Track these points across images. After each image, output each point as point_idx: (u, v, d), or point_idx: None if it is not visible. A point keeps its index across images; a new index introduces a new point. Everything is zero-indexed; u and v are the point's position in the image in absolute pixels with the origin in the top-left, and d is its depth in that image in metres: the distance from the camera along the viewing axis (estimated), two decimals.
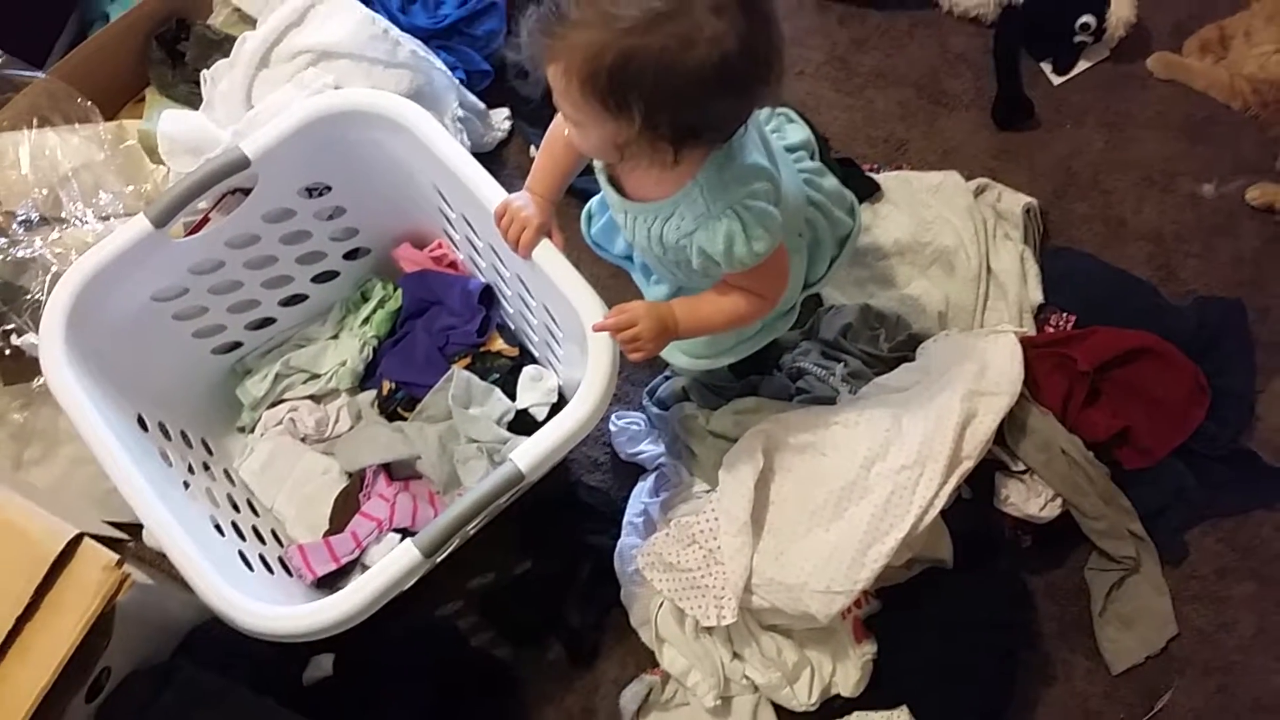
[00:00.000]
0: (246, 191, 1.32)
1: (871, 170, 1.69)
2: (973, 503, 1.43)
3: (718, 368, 1.42)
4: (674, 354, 1.30)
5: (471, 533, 1.26)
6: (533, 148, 1.72)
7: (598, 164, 1.14)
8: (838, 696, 1.38)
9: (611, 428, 1.53)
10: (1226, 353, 1.58)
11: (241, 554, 1.22)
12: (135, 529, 1.42)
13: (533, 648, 1.44)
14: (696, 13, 0.87)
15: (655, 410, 1.53)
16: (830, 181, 1.28)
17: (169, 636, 1.29)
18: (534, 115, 1.71)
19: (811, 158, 1.29)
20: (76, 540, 0.93)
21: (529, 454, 1.12)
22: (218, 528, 1.23)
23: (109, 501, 1.43)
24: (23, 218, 1.40)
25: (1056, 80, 1.82)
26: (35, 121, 1.44)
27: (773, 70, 0.94)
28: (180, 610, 1.29)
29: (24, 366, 1.49)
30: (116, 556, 0.93)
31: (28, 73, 1.46)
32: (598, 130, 0.96)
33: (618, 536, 1.46)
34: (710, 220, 1.04)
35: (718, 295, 1.17)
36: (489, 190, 1.22)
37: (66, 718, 0.97)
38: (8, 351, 1.47)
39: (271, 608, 1.06)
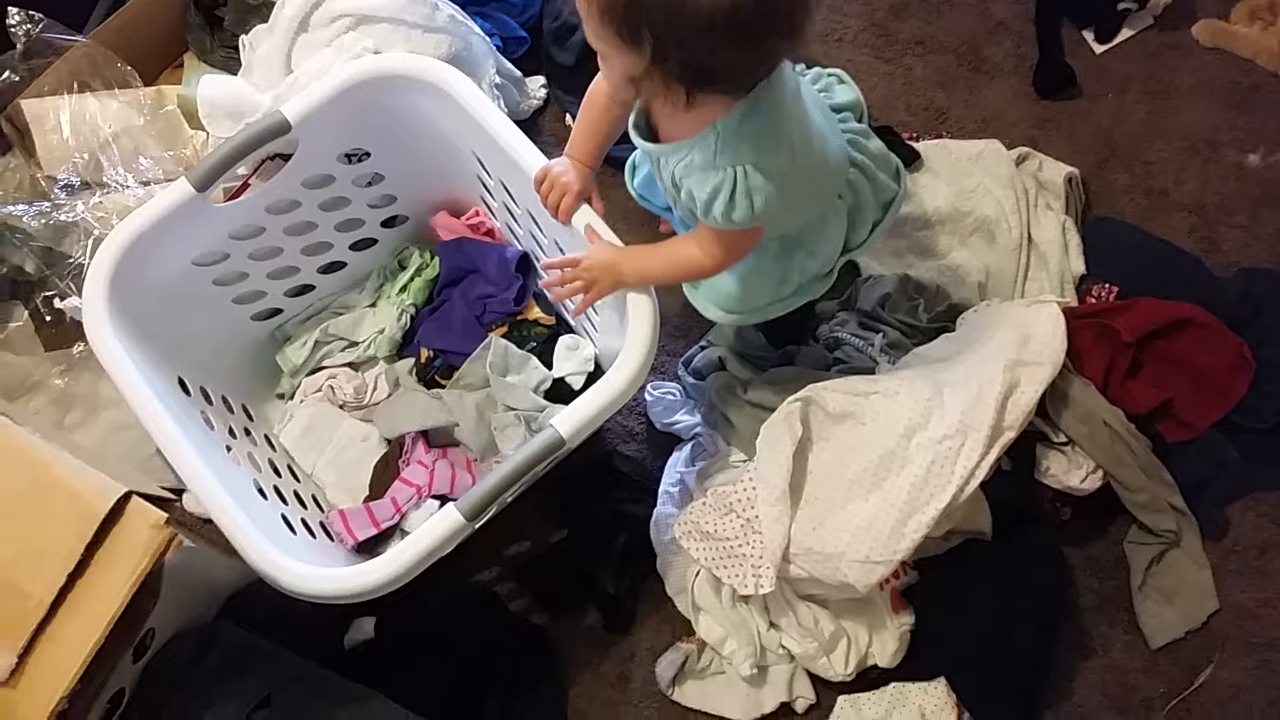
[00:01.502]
0: (285, 158, 1.32)
1: (911, 139, 1.67)
2: (1012, 474, 1.42)
3: (752, 324, 1.42)
4: (707, 306, 1.30)
5: (509, 500, 1.26)
6: (568, 116, 1.71)
7: (634, 114, 1.13)
8: (874, 667, 1.38)
9: (647, 397, 1.53)
10: (1270, 325, 1.55)
11: (284, 518, 1.23)
12: (173, 496, 1.44)
13: (569, 615, 1.45)
14: None
15: (691, 380, 1.52)
16: (876, 144, 1.26)
17: (211, 600, 1.31)
18: (570, 82, 1.70)
19: (859, 120, 1.28)
20: (125, 498, 0.94)
21: (570, 420, 1.12)
22: (260, 492, 1.23)
23: (149, 466, 1.45)
24: (64, 182, 1.41)
25: (1099, 48, 1.79)
26: (76, 86, 1.45)
27: (793, 24, 0.92)
28: (222, 575, 1.31)
29: (64, 332, 1.50)
30: (165, 515, 0.93)
31: (69, 37, 1.46)
32: (617, 61, 0.96)
33: (653, 506, 1.46)
34: (709, 169, 1.03)
35: (672, 246, 1.17)
36: (529, 156, 1.22)
37: (115, 675, 0.99)
38: (48, 317, 1.49)
39: (316, 569, 1.07)
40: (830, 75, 1.29)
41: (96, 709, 0.96)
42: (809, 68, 1.31)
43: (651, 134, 1.12)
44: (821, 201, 1.21)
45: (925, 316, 1.49)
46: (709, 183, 1.03)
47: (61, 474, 0.95)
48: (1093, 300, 1.56)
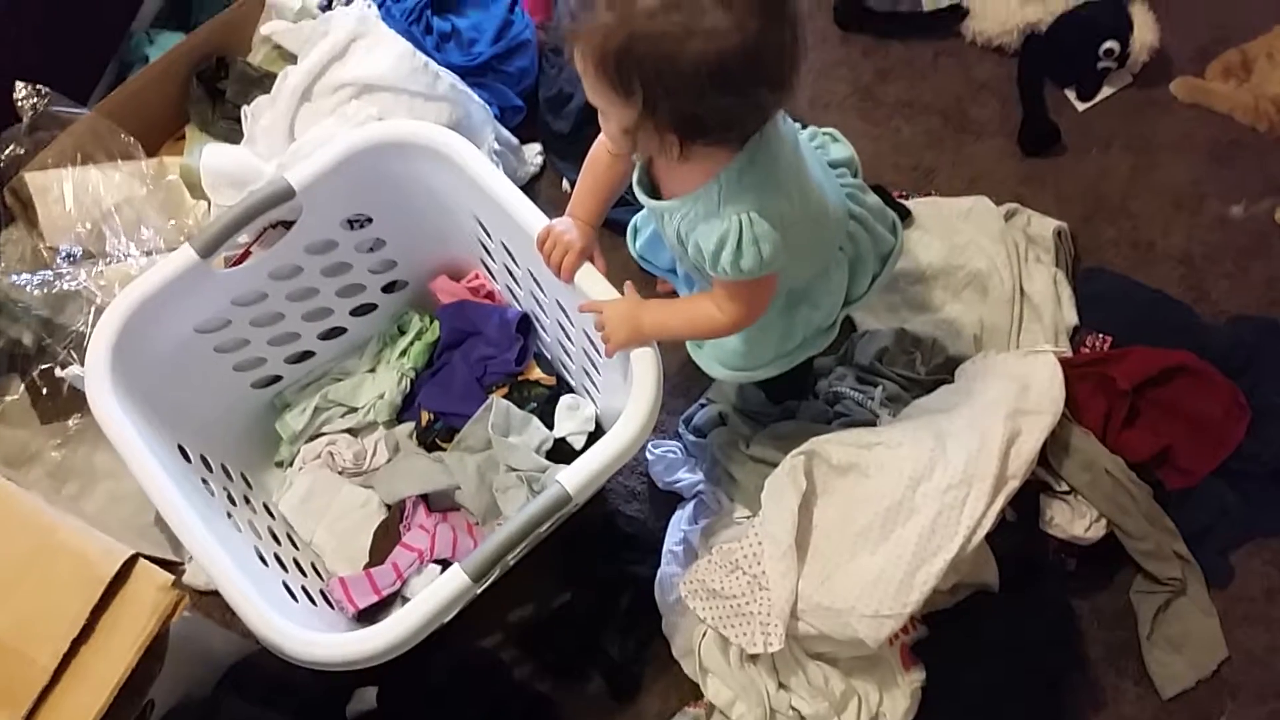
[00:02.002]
0: (287, 225, 1.33)
1: (901, 197, 1.70)
2: (1017, 525, 1.42)
3: (753, 382, 1.42)
4: (711, 365, 1.30)
5: (512, 562, 1.25)
6: (565, 181, 1.74)
7: (637, 171, 1.15)
8: None
9: (648, 456, 1.53)
10: (1264, 371, 1.57)
11: (285, 585, 1.21)
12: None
13: (574, 680, 1.42)
14: (704, 4, 0.87)
15: (692, 438, 1.52)
16: (873, 198, 1.29)
17: (210, 672, 1.28)
18: (565, 149, 1.74)
19: (855, 176, 1.30)
20: (132, 561, 0.93)
21: (576, 477, 1.12)
22: (261, 559, 1.22)
23: (147, 536, 1.44)
24: (66, 252, 1.42)
25: (1081, 106, 1.84)
26: (79, 158, 1.46)
27: (780, 76, 0.95)
28: (221, 646, 1.29)
29: (61, 405, 1.50)
30: (172, 577, 0.92)
31: (73, 110, 1.48)
32: (613, 114, 0.98)
33: (657, 566, 1.44)
34: (713, 218, 1.04)
35: (690, 302, 1.18)
36: (531, 216, 1.24)
37: None
38: (45, 390, 1.49)
39: (321, 635, 1.05)
40: (825, 134, 1.32)
41: None
42: (804, 127, 1.34)
43: (654, 191, 1.14)
44: (825, 251, 1.22)
45: (923, 369, 1.50)
46: (715, 233, 1.04)
47: (67, 538, 0.94)
48: (1087, 350, 1.58)
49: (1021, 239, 1.65)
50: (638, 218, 1.34)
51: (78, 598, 0.90)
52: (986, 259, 1.60)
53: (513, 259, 1.37)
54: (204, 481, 1.26)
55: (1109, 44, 1.78)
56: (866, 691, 1.35)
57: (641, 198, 1.14)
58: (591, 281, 1.21)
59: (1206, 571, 1.47)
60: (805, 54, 0.98)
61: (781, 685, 1.37)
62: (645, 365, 1.17)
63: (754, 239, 1.03)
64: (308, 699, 1.26)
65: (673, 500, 1.51)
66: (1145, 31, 1.78)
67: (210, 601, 1.35)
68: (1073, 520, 1.41)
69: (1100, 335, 1.59)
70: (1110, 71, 1.83)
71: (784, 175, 1.07)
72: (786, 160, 1.07)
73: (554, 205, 1.33)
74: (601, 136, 1.16)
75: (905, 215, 1.66)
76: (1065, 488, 1.42)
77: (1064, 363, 1.42)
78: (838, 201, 1.20)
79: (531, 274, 1.34)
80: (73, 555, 0.92)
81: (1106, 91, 1.84)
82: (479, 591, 1.12)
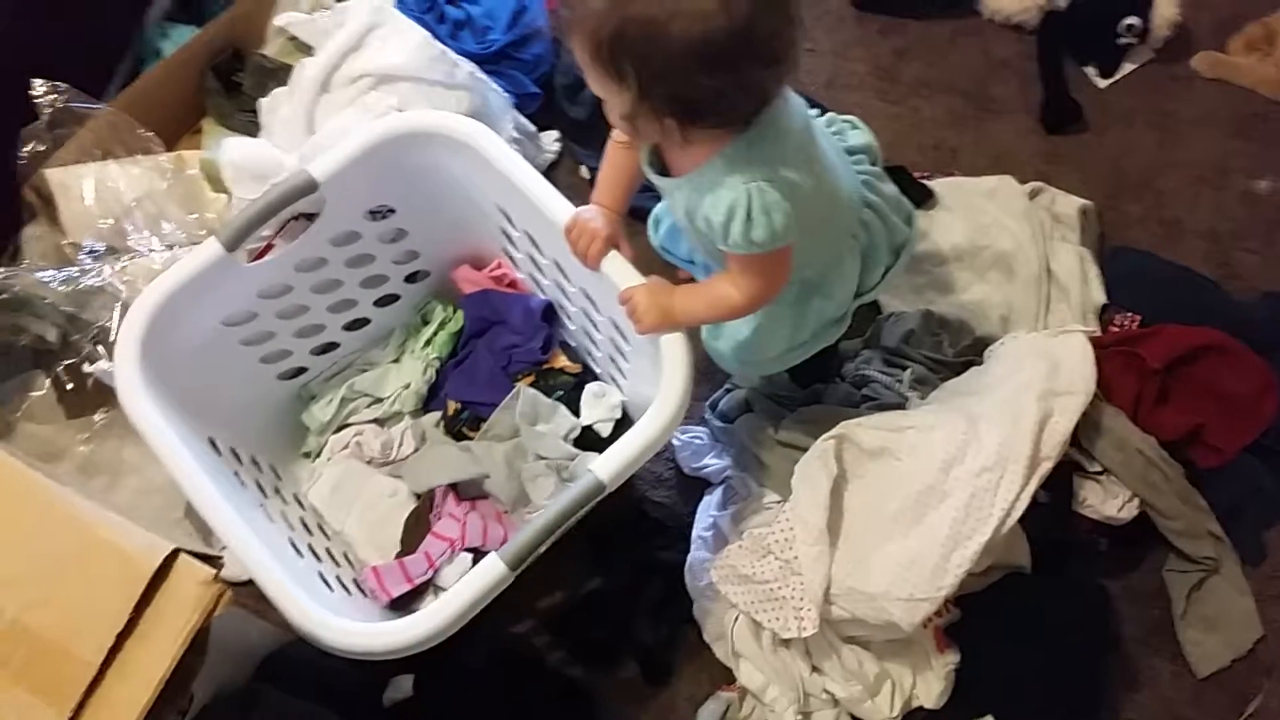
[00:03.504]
0: (309, 218, 1.32)
1: (924, 178, 1.69)
2: (1049, 506, 1.41)
3: (777, 373, 1.42)
4: (722, 356, 1.30)
5: (542, 550, 1.25)
6: (583, 168, 1.74)
7: (645, 152, 1.14)
8: (920, 709, 1.35)
9: (674, 442, 1.52)
10: None
11: (320, 575, 1.21)
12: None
13: (606, 667, 1.42)
14: None
15: (718, 424, 1.52)
16: (889, 188, 1.27)
17: (246, 663, 1.29)
18: (583, 136, 1.73)
19: (873, 164, 1.29)
20: (173, 556, 0.93)
21: (609, 464, 1.11)
22: (295, 550, 1.22)
23: (177, 529, 1.44)
24: (89, 248, 1.41)
25: (1102, 83, 1.82)
26: (99, 154, 1.46)
27: (772, 52, 0.94)
28: (257, 637, 1.29)
29: (86, 400, 1.50)
30: (214, 571, 0.92)
31: (91, 105, 1.47)
32: (613, 102, 0.98)
33: (686, 552, 1.44)
34: (719, 188, 1.03)
35: (710, 284, 1.16)
36: (556, 205, 1.23)
37: None
38: (70, 386, 1.49)
39: (361, 625, 1.05)
40: (844, 121, 1.31)
41: None
42: (823, 112, 1.33)
43: (664, 170, 1.13)
44: (837, 236, 1.21)
45: (950, 351, 1.49)
46: (723, 203, 1.03)
47: (108, 534, 0.94)
48: (1115, 329, 1.57)
49: (1047, 218, 1.64)
50: (658, 209, 1.33)
51: (120, 594, 0.90)
52: (1012, 239, 1.59)
53: (537, 248, 1.36)
54: (235, 474, 1.26)
55: (1129, 19, 1.76)
56: (900, 674, 1.35)
57: (650, 175, 1.14)
58: (619, 268, 1.21)
59: (1240, 550, 1.46)
60: (803, 30, 0.98)
61: (815, 669, 1.36)
62: (676, 352, 1.16)
63: (764, 208, 1.01)
64: (344, 688, 1.26)
65: (700, 486, 1.51)
66: (1166, 6, 1.77)
67: (243, 592, 1.34)
68: (1105, 500, 1.40)
69: (1129, 314, 1.57)
70: (1131, 47, 1.81)
71: (792, 151, 1.06)
72: (796, 138, 1.06)
73: (573, 192, 1.32)
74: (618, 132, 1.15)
75: (929, 196, 1.65)
76: (1097, 468, 1.40)
77: (1093, 342, 1.41)
78: (852, 187, 1.19)
79: (557, 263, 1.34)
80: (114, 551, 0.92)
81: (1127, 68, 1.83)
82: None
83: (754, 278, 1.12)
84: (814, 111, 1.14)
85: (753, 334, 1.26)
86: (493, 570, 1.06)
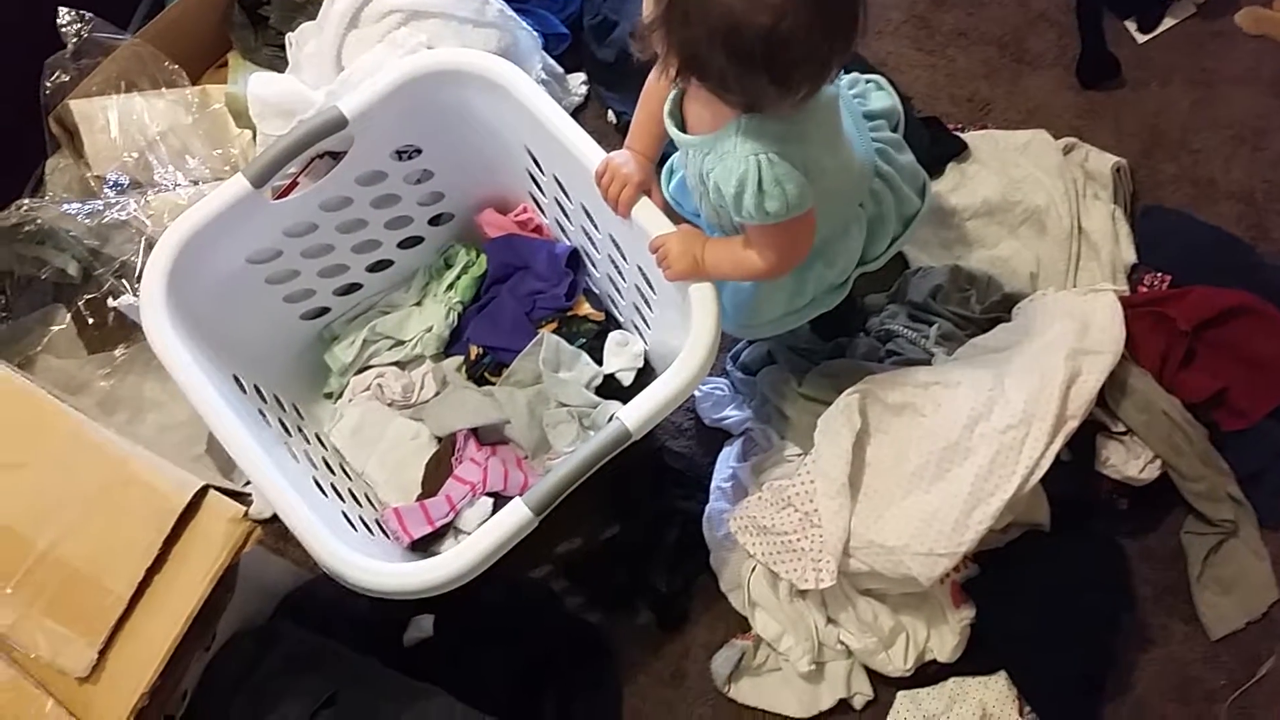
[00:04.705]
0: (335, 156, 1.31)
1: (956, 129, 1.66)
2: (1070, 465, 1.40)
3: (796, 329, 1.41)
4: (723, 317, 1.29)
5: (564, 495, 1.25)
6: (610, 112, 1.71)
7: (669, 101, 1.13)
8: (933, 662, 1.37)
9: (696, 393, 1.52)
10: None
11: (344, 514, 1.22)
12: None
13: (622, 613, 1.43)
14: None
15: (740, 375, 1.52)
16: (906, 158, 1.25)
17: (267, 600, 1.31)
18: (610, 79, 1.70)
19: (894, 129, 1.26)
20: (203, 492, 0.93)
21: (636, 413, 1.11)
22: (319, 488, 1.22)
23: (197, 467, 1.44)
24: (113, 181, 1.40)
25: (1141, 38, 1.78)
26: (123, 86, 1.44)
27: (788, 79, 0.94)
28: (277, 576, 1.30)
29: (106, 334, 1.50)
30: (243, 509, 0.92)
31: (117, 36, 1.45)
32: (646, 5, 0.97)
33: (704, 502, 1.45)
34: (729, 157, 1.02)
35: (740, 244, 1.15)
36: (587, 148, 1.21)
37: (189, 673, 0.98)
38: (91, 320, 1.48)
39: (387, 565, 1.06)
40: (869, 81, 1.28)
41: (173, 705, 0.95)
42: (848, 71, 1.30)
43: (684, 126, 1.12)
44: (846, 206, 1.20)
45: (978, 307, 1.48)
46: (733, 175, 1.02)
47: (138, 469, 0.94)
48: (1145, 289, 1.55)
49: (1080, 174, 1.61)
50: (674, 159, 1.30)
51: (151, 528, 0.90)
52: (1045, 194, 1.57)
53: (564, 192, 1.35)
54: (260, 412, 1.26)
55: None
56: (915, 628, 1.36)
57: (670, 129, 1.12)
58: (649, 215, 1.20)
59: (1260, 513, 1.45)
60: (832, 79, 0.98)
61: (830, 620, 1.37)
62: (704, 302, 1.15)
63: (775, 179, 1.01)
64: (365, 626, 1.27)
65: (719, 436, 1.51)
66: None
67: (264, 529, 1.35)
68: (1128, 461, 1.40)
69: (1159, 274, 1.55)
70: (1173, 2, 1.77)
71: (814, 126, 1.05)
72: (822, 112, 1.05)
73: (599, 135, 1.30)
74: (657, 69, 1.13)
75: (962, 148, 1.62)
76: (1121, 428, 1.40)
77: (1122, 301, 1.40)
78: (865, 157, 1.17)
79: (584, 208, 1.32)
80: (145, 486, 0.93)
81: (1168, 23, 1.78)
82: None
83: (771, 247, 1.11)
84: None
85: (752, 295, 1.25)
86: (517, 515, 1.07)
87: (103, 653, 0.88)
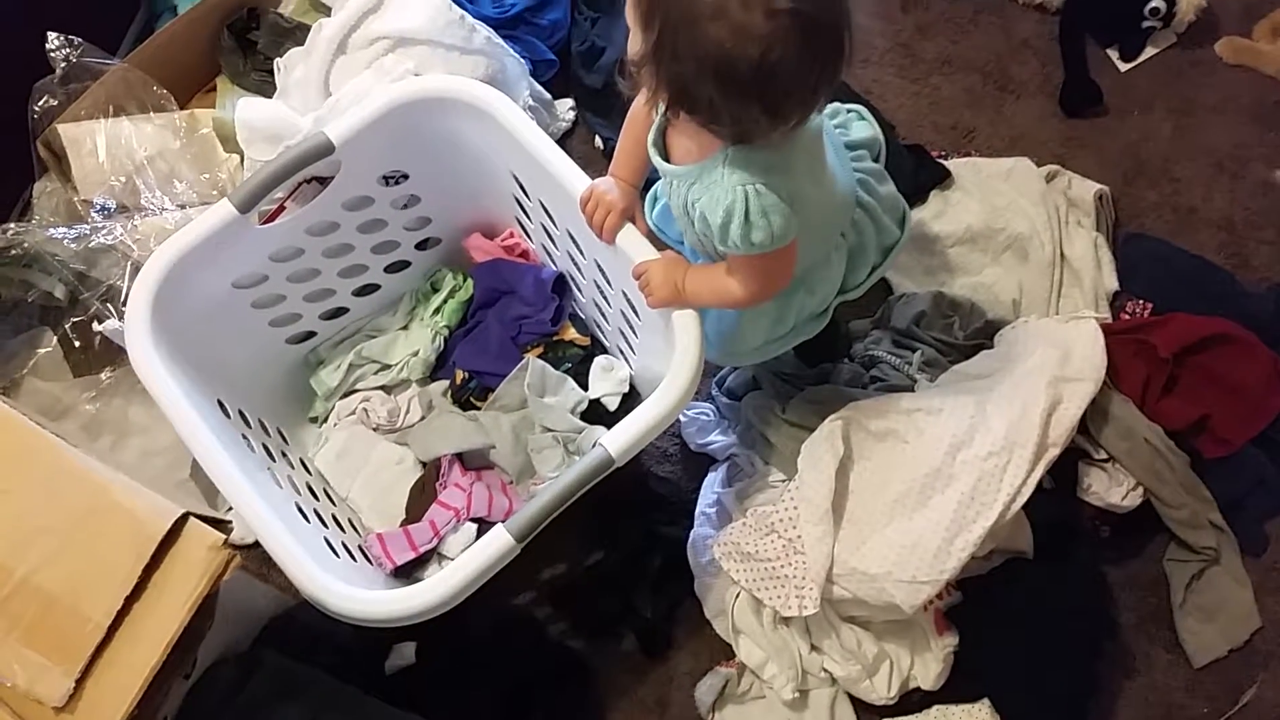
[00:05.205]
0: (322, 181, 1.32)
1: (940, 157, 1.67)
2: (1053, 492, 1.41)
3: (783, 355, 1.41)
4: (705, 344, 1.30)
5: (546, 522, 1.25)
6: (597, 138, 1.72)
7: (653, 131, 1.13)
8: (917, 689, 1.37)
9: (681, 418, 1.52)
10: None
11: (326, 540, 1.21)
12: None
13: (606, 639, 1.43)
14: (754, 2, 0.86)
15: (725, 400, 1.52)
16: (887, 188, 1.26)
17: (249, 626, 1.30)
18: (598, 105, 1.71)
19: (876, 159, 1.28)
20: (183, 519, 0.93)
21: (619, 439, 1.12)
22: (302, 514, 1.22)
23: (180, 493, 1.44)
24: (100, 205, 1.41)
25: (1123, 67, 1.80)
26: (111, 110, 1.45)
27: (779, 109, 0.94)
28: (260, 602, 1.30)
29: (92, 358, 1.50)
30: (223, 536, 0.92)
31: (105, 61, 1.46)
32: (635, 35, 0.97)
33: (689, 528, 1.45)
34: (716, 188, 1.03)
35: (721, 271, 1.15)
36: (572, 175, 1.22)
37: (168, 701, 0.97)
38: (77, 343, 1.48)
39: (367, 592, 1.05)
40: (850, 111, 1.29)
41: None
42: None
43: (668, 155, 1.12)
44: (827, 235, 1.21)
45: (961, 334, 1.49)
46: (720, 205, 1.03)
47: (119, 496, 0.94)
48: (1127, 316, 1.57)
49: (1062, 202, 1.62)
50: (657, 186, 1.31)
51: (130, 555, 0.90)
52: (1027, 222, 1.58)
53: (550, 218, 1.35)
54: (244, 437, 1.26)
55: (1155, 2, 1.74)
56: (899, 655, 1.36)
57: (655, 159, 1.13)
58: (633, 241, 1.20)
59: (1241, 541, 1.46)
60: (821, 108, 0.98)
61: (814, 647, 1.37)
62: (688, 328, 1.16)
63: (762, 210, 1.01)
64: (347, 653, 1.27)
65: (704, 462, 1.51)
66: None
67: (246, 555, 1.35)
68: (1110, 488, 1.41)
69: (1140, 301, 1.57)
70: (1155, 31, 1.79)
71: (799, 158, 1.05)
72: (806, 145, 1.06)
73: (587, 161, 1.32)
74: (641, 96, 1.14)
75: (945, 176, 1.64)
76: (1103, 455, 1.41)
77: (1104, 329, 1.41)
78: (847, 188, 1.18)
79: (570, 233, 1.33)
80: (124, 513, 0.92)
81: (1150, 52, 1.81)
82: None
83: (752, 277, 1.12)
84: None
85: (735, 323, 1.26)
86: (499, 542, 1.07)
87: (80, 681, 0.87)
